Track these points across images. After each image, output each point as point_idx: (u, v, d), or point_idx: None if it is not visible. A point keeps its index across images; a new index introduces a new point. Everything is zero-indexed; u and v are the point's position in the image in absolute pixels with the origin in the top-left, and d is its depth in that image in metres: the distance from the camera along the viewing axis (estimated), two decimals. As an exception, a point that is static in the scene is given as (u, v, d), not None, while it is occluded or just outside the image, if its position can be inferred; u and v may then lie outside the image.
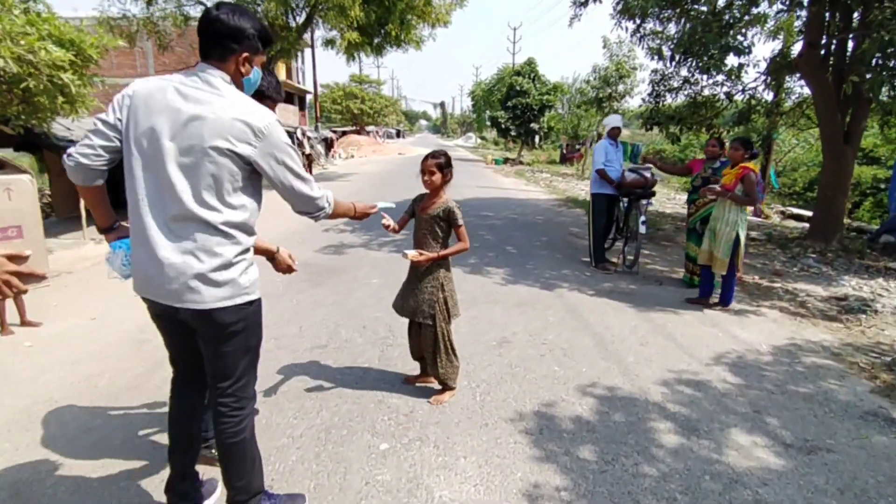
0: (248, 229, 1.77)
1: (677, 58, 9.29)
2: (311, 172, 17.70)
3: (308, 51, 28.88)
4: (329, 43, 15.52)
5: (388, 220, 3.07)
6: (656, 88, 10.35)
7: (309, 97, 33.19)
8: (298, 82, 32.53)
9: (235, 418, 1.86)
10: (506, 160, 27.30)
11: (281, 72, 28.47)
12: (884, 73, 5.89)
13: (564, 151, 27.42)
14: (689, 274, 5.53)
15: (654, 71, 10.36)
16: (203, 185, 1.65)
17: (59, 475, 2.33)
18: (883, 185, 12.74)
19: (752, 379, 3.40)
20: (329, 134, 30.92)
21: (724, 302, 4.78)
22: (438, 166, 2.91)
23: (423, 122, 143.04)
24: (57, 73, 5.00)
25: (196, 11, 13.62)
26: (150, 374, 3.24)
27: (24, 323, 4.04)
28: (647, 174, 5.80)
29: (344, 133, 41.83)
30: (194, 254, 1.66)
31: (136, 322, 3.94)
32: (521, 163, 26.76)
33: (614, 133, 6.04)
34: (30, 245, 1.63)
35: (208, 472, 2.23)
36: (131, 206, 1.71)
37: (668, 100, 10.41)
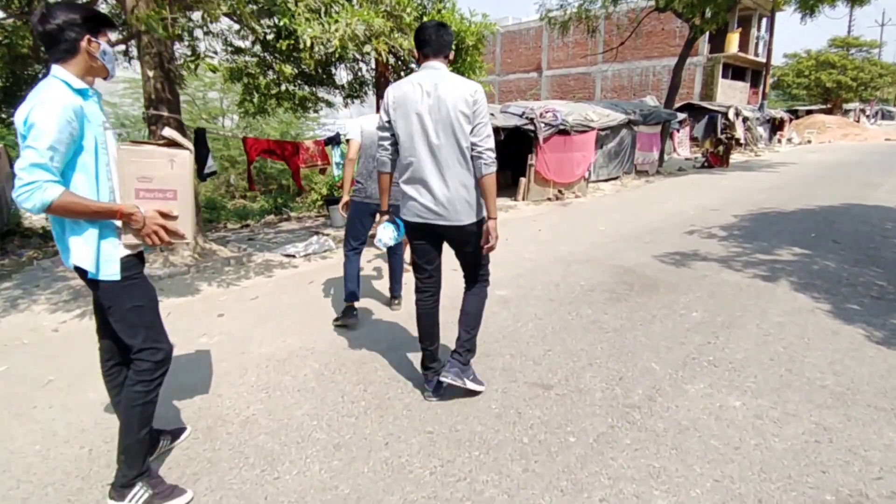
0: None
1: None
2: (727, 159, 15.04)
3: (771, 16, 24.25)
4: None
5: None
6: None
7: (765, 71, 28.02)
8: (755, 54, 27.78)
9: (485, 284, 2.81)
10: None
11: (732, 44, 24.93)
12: None
13: None
14: None
15: None
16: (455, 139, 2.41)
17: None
18: None
19: None
20: (779, 114, 25.57)
21: None
22: None
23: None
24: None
25: (625, -10, 13.25)
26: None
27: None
28: None
29: (808, 112, 33.94)
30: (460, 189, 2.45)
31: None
32: None
33: None
34: (180, 208, 1.94)
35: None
36: (410, 167, 2.49)
37: None
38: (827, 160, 16.22)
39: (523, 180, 10.07)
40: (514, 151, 11.60)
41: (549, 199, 9.94)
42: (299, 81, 7.84)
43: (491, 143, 2.41)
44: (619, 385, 2.82)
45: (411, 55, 5.66)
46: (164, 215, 1.88)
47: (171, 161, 1.89)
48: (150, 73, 5.44)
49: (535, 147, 9.83)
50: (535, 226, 7.43)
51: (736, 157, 17.22)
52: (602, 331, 3.57)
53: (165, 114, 5.56)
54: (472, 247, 2.58)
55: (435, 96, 2.36)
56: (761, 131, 23.60)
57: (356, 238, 3.83)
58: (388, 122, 2.49)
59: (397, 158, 2.56)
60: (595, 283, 4.59)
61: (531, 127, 9.74)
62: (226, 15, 4.41)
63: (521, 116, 9.98)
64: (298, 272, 5.48)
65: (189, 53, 5.58)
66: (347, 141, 3.93)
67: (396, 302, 4.19)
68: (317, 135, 15.01)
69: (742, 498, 1.98)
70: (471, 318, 2.73)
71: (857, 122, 33.81)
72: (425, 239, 2.61)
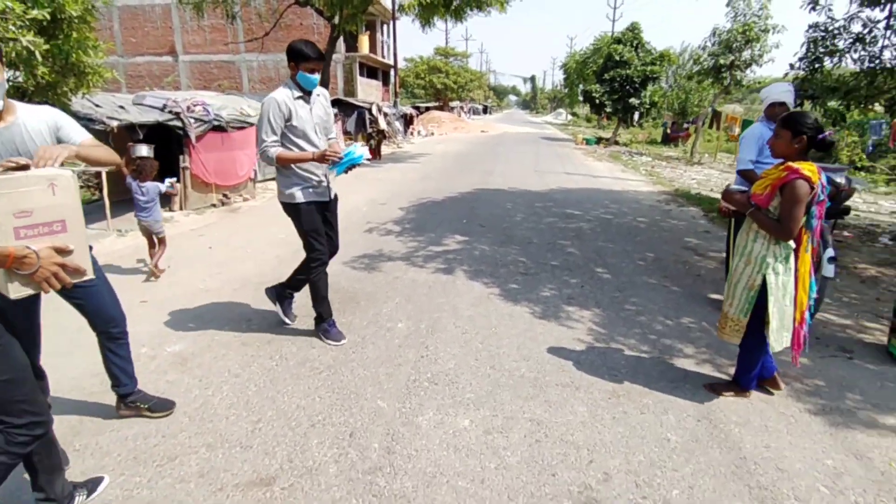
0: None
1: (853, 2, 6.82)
2: (380, 151, 16.45)
3: (393, 23, 27.70)
4: (403, 8, 13.93)
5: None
6: (813, 50, 7.77)
7: (393, 72, 31.98)
8: (383, 56, 31.34)
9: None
10: (599, 140, 24.50)
11: (364, 46, 27.40)
12: None
13: (668, 131, 24.22)
14: (899, 339, 3.39)
15: (814, 26, 7.75)
16: None
17: None
18: None
19: None
20: (408, 110, 29.64)
21: (739, 385, 2.90)
22: None
23: (513, 98, 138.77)
24: (13, 34, 3.85)
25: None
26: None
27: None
28: (840, 179, 3.62)
29: (427, 109, 40.55)
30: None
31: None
32: (616, 143, 23.85)
33: (777, 112, 3.76)
34: (73, 240, 1.68)
35: None
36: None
37: (828, 65, 7.82)
38: (451, 150, 19.65)
39: (178, 186, 8.46)
40: (162, 152, 9.70)
41: (214, 206, 8.69)
42: None
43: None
44: (352, 445, 2.42)
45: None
46: (61, 251, 1.66)
47: (51, 186, 1.61)
48: None
49: (186, 147, 8.34)
50: (204, 242, 6.27)
51: (384, 149, 19.05)
52: (315, 372, 3.09)
53: None
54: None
55: None
56: (399, 126, 26.98)
57: None
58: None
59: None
60: (293, 308, 4.05)
61: (178, 123, 8.19)
62: None
63: (162, 110, 8.27)
64: None
65: None
66: None
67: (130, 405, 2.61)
68: None
69: (507, 544, 1.89)
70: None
71: (460, 117, 42.59)
72: None
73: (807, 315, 2.75)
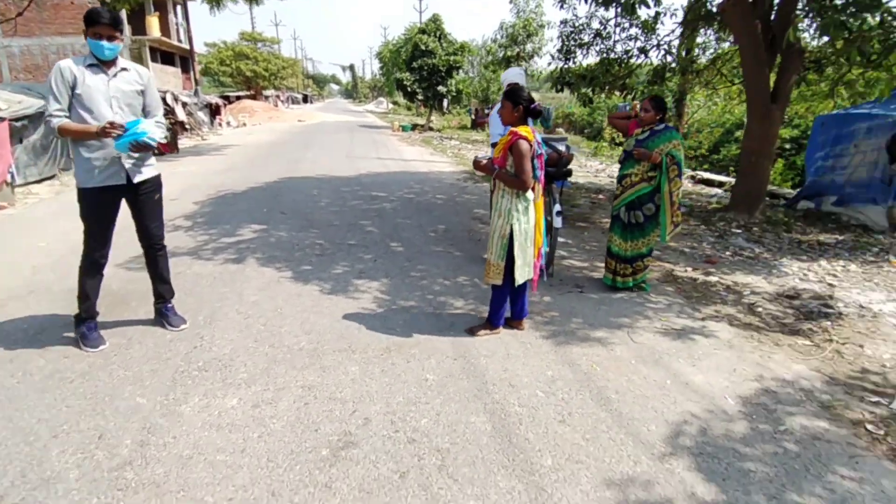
0: None
1: (588, 3, 8.08)
2: (177, 144, 14.90)
3: (188, 4, 25.01)
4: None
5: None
6: (566, 44, 9.09)
7: (191, 57, 28.77)
8: (179, 40, 27.99)
9: None
10: (415, 126, 25.44)
11: (154, 28, 24.22)
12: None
13: (474, 116, 26.19)
14: (612, 274, 4.28)
15: (564, 22, 9.09)
16: None
17: None
18: (788, 146, 12.55)
19: (732, 485, 2.14)
20: (214, 99, 27.18)
21: (491, 324, 3.41)
22: None
23: (335, 87, 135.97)
24: None
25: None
26: None
27: None
28: (562, 147, 4.38)
29: (238, 98, 37.62)
30: None
31: None
32: (430, 129, 25.03)
33: (516, 92, 4.42)
34: None
35: None
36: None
37: (580, 57, 9.24)
38: (263, 140, 18.62)
39: None
40: None
41: (-57, 219, 7.03)
42: None
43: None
44: (100, 446, 2.27)
45: None
46: None
47: None
48: None
49: None
50: (-77, 262, 5.07)
51: (185, 142, 17.30)
52: (65, 381, 2.79)
53: None
54: None
55: None
56: (202, 116, 24.62)
57: None
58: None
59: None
60: (45, 320, 3.55)
61: None
62: None
63: None
64: None
65: None
66: None
67: None
68: None
69: (256, 500, 1.98)
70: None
71: (276, 106, 40.41)
72: None
73: (542, 251, 3.37)
